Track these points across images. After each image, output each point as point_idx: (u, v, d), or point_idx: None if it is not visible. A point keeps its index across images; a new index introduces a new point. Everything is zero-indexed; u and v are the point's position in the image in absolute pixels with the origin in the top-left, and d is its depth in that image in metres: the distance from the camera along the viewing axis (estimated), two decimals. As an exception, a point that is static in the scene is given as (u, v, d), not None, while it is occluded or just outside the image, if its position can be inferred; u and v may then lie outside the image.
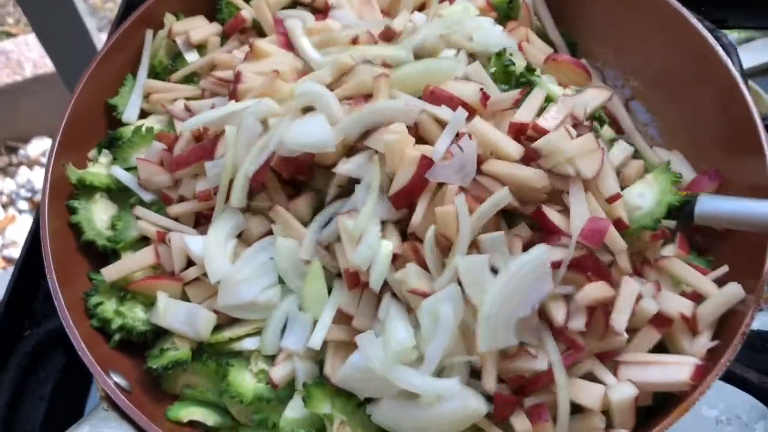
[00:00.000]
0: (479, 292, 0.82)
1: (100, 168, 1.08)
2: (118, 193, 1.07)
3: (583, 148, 0.89)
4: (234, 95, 1.02)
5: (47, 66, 3.01)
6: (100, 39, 2.17)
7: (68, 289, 0.95)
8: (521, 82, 0.99)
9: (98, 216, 1.04)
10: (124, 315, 0.96)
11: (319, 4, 1.17)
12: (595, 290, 0.85)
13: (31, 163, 3.14)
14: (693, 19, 1.06)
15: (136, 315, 0.97)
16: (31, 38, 3.15)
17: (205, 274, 0.96)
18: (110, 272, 0.98)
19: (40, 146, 3.15)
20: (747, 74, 1.10)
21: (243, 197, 0.95)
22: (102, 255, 1.03)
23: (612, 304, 0.87)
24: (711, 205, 0.92)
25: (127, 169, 1.07)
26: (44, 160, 3.15)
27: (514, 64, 1.00)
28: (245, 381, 0.91)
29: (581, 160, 0.88)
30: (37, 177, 3.09)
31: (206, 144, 0.99)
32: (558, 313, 0.84)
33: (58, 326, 1.06)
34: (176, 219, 1.02)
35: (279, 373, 0.90)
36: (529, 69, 0.99)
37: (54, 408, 1.04)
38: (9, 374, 1.03)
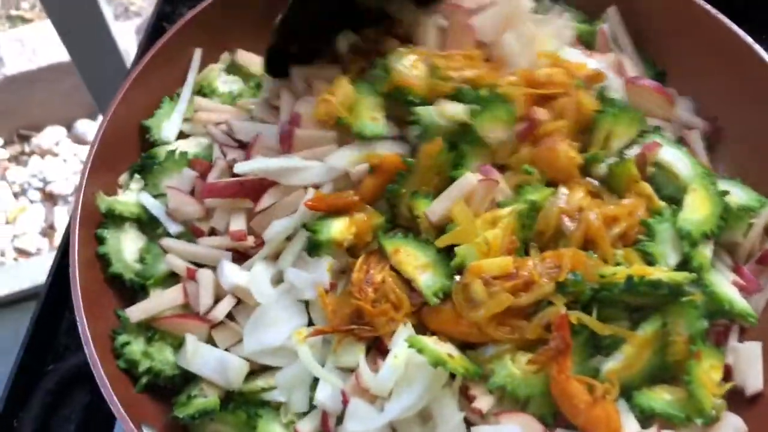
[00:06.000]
0: None
1: (131, 195, 1.02)
2: (149, 224, 1.01)
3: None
4: (289, 139, 0.97)
5: (63, 54, 2.94)
6: (118, 29, 2.12)
7: (94, 324, 0.89)
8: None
9: (127, 247, 0.98)
10: (152, 357, 0.92)
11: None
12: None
13: (43, 153, 3.08)
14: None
15: (165, 357, 0.92)
16: (47, 24, 3.08)
17: (231, 318, 0.92)
18: (135, 312, 0.93)
19: (53, 135, 3.09)
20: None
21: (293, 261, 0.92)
22: (130, 287, 0.98)
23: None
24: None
25: (158, 196, 1.01)
26: (57, 149, 3.10)
27: None
28: (275, 432, 0.86)
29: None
30: (48, 166, 3.03)
31: (247, 184, 0.94)
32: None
33: (81, 361, 1.02)
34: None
35: (306, 427, 0.86)
36: None
37: (78, 447, 0.99)
38: (31, 413, 0.97)
